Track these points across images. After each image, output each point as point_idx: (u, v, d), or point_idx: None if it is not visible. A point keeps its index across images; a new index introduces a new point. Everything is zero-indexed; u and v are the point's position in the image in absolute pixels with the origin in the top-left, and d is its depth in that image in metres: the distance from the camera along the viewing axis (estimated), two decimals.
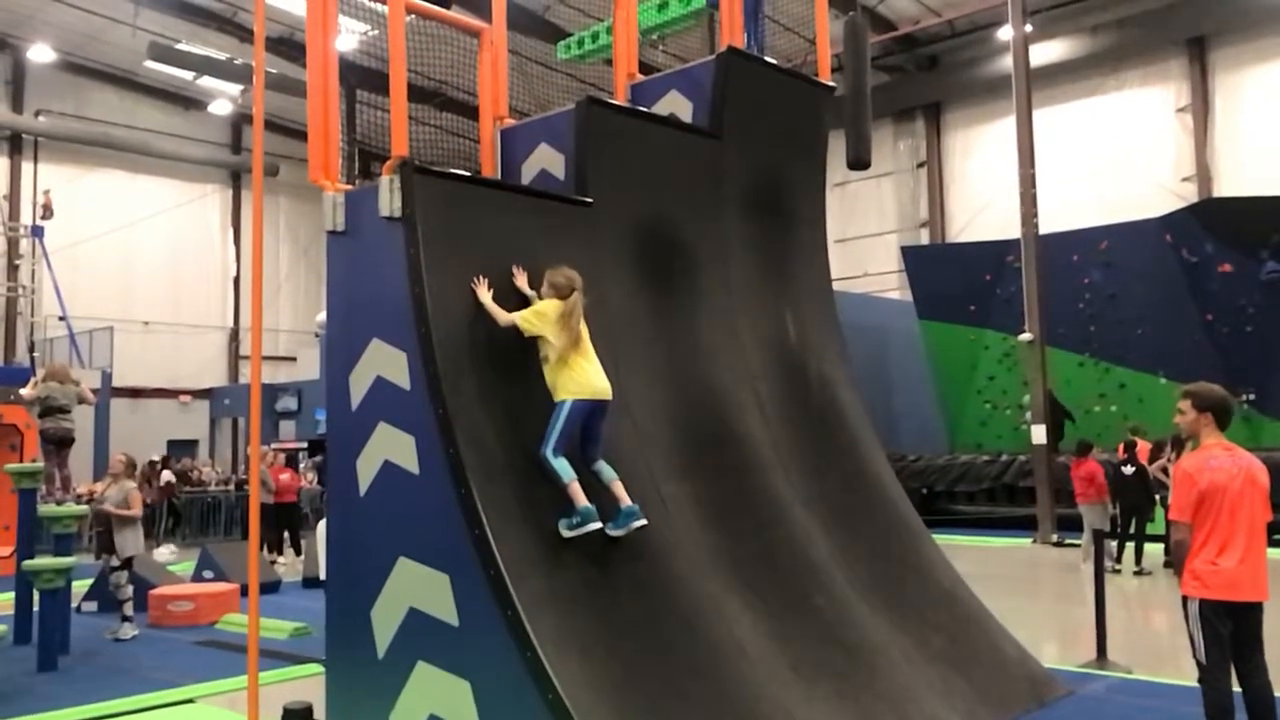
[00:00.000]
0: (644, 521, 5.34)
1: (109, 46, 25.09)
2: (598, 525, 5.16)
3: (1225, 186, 21.49)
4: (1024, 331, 16.59)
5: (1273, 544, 5.26)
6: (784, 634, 5.69)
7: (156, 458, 21.60)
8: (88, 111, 26.74)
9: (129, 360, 25.09)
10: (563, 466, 5.17)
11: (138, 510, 9.83)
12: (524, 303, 5.58)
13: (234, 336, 29.52)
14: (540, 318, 5.35)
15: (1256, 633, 4.94)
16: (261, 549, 13.99)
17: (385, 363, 5.49)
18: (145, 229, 27.36)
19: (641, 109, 7.02)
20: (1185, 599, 4.96)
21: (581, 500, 5.14)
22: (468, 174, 6.27)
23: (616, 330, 6.18)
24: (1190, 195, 21.43)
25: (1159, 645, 8.59)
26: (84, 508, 10.02)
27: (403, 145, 5.87)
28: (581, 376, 5.29)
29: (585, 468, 5.31)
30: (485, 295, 5.42)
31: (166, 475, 20.35)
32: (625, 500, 5.33)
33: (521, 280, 5.65)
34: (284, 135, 26.36)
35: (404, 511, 5.35)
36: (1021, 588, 11.70)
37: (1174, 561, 5.09)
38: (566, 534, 5.14)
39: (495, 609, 4.82)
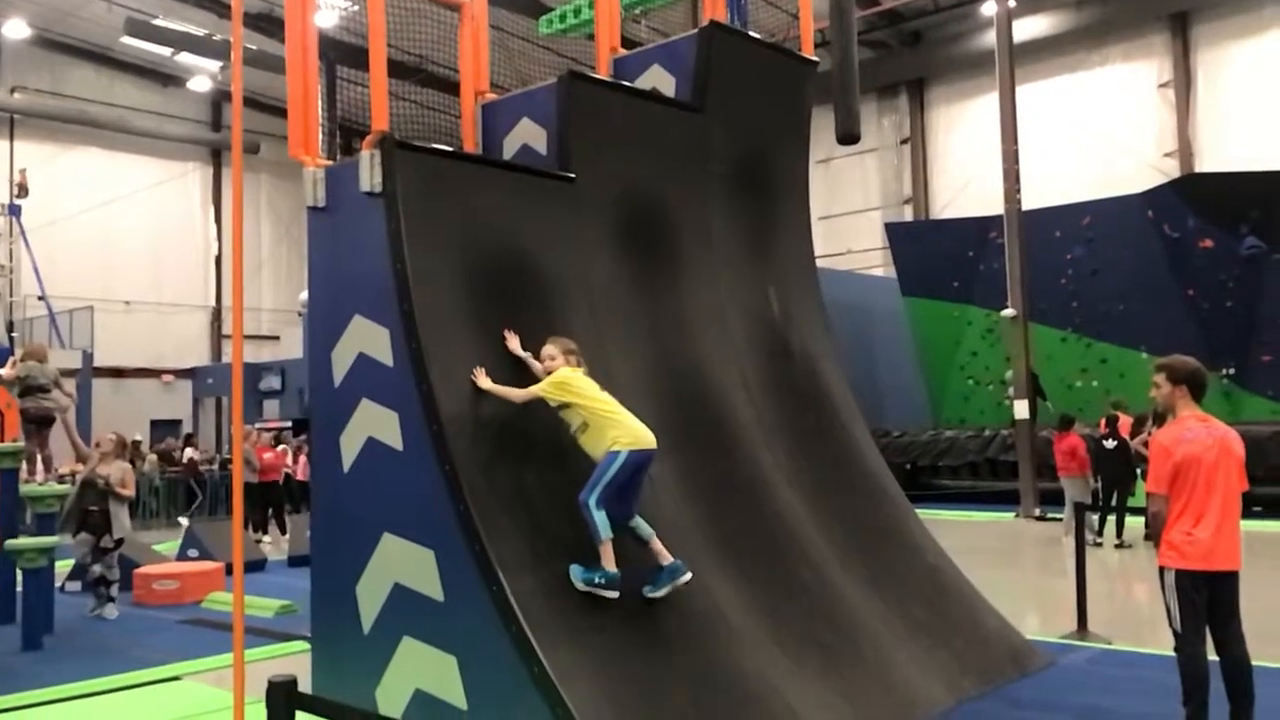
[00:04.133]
0: (689, 576, 5.11)
1: (85, 22, 24.79)
2: (616, 594, 4.94)
3: (1207, 162, 21.57)
4: (1007, 307, 16.66)
5: (1248, 515, 5.33)
6: (769, 608, 5.74)
7: (139, 437, 21.54)
8: (64, 88, 26.44)
9: (110, 340, 24.93)
10: (603, 521, 4.92)
11: (131, 490, 9.83)
12: (519, 365, 5.44)
13: (216, 315, 29.36)
14: (564, 386, 5.13)
15: (1232, 601, 5.00)
16: (246, 528, 13.97)
17: (367, 339, 5.48)
18: (125, 207, 27.13)
19: (624, 83, 6.99)
20: (1162, 569, 5.01)
21: (611, 564, 4.92)
22: (449, 149, 6.24)
23: (600, 306, 6.18)
24: (1172, 171, 21.53)
25: (1139, 616, 8.69)
26: (66, 487, 9.98)
27: (383, 120, 5.84)
28: (633, 426, 5.07)
29: (615, 522, 5.04)
30: (488, 383, 5.23)
31: (190, 453, 20.61)
32: (666, 557, 5.10)
33: (514, 344, 5.49)
34: (265, 112, 26.12)
35: (388, 488, 5.36)
36: (1004, 561, 11.81)
37: (1151, 532, 5.15)
38: (580, 586, 4.93)
39: (480, 584, 4.84)
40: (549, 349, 5.32)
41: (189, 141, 28.89)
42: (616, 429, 5.05)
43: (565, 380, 5.15)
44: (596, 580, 4.93)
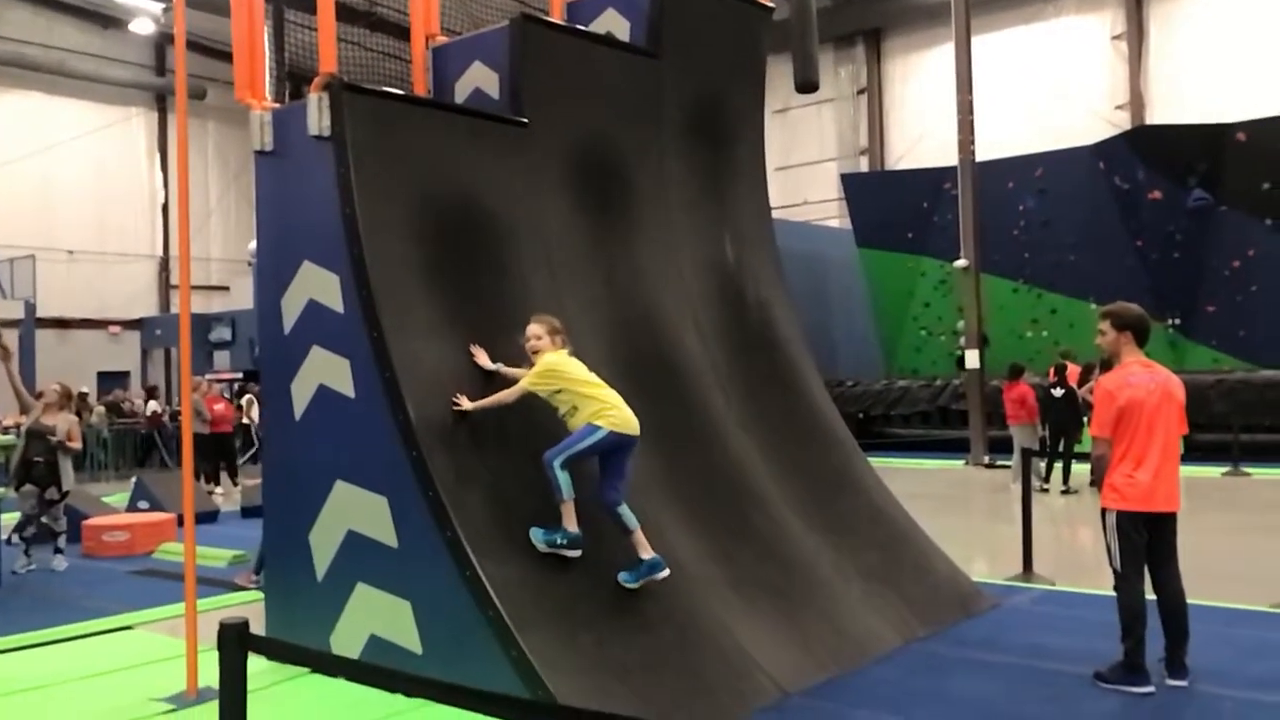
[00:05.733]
0: (667, 573, 5.09)
1: None
2: (578, 554, 4.96)
3: (1158, 114, 21.79)
4: (959, 258, 16.81)
5: (1188, 460, 5.46)
6: (722, 552, 5.81)
7: (85, 389, 21.17)
8: (1, 30, 25.54)
9: (53, 290, 24.38)
10: (565, 481, 4.90)
11: (79, 443, 9.66)
12: (489, 377, 5.33)
13: (164, 265, 28.77)
14: (552, 373, 5.04)
15: (1170, 542, 5.15)
16: (198, 479, 13.84)
17: (317, 286, 5.42)
18: (66, 153, 26.37)
19: (578, 27, 6.89)
20: (1104, 511, 5.15)
21: (573, 524, 4.92)
22: (399, 92, 6.13)
23: (554, 252, 6.15)
24: (1124, 123, 21.73)
25: (1082, 559, 8.90)
26: (10, 438, 9.79)
27: (331, 62, 5.73)
28: (619, 408, 5.02)
29: (603, 509, 5.06)
30: (472, 404, 5.13)
31: (153, 406, 20.28)
32: (648, 551, 5.06)
33: (483, 358, 5.37)
34: (211, 57, 25.36)
35: (340, 435, 5.33)
36: (953, 507, 12.03)
37: (1095, 476, 5.27)
38: (541, 547, 4.93)
39: (434, 530, 4.85)
40: (534, 328, 5.18)
41: (132, 86, 28.09)
42: (601, 410, 4.98)
43: (552, 368, 5.05)
44: (559, 541, 4.93)
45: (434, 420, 5.07)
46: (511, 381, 5.21)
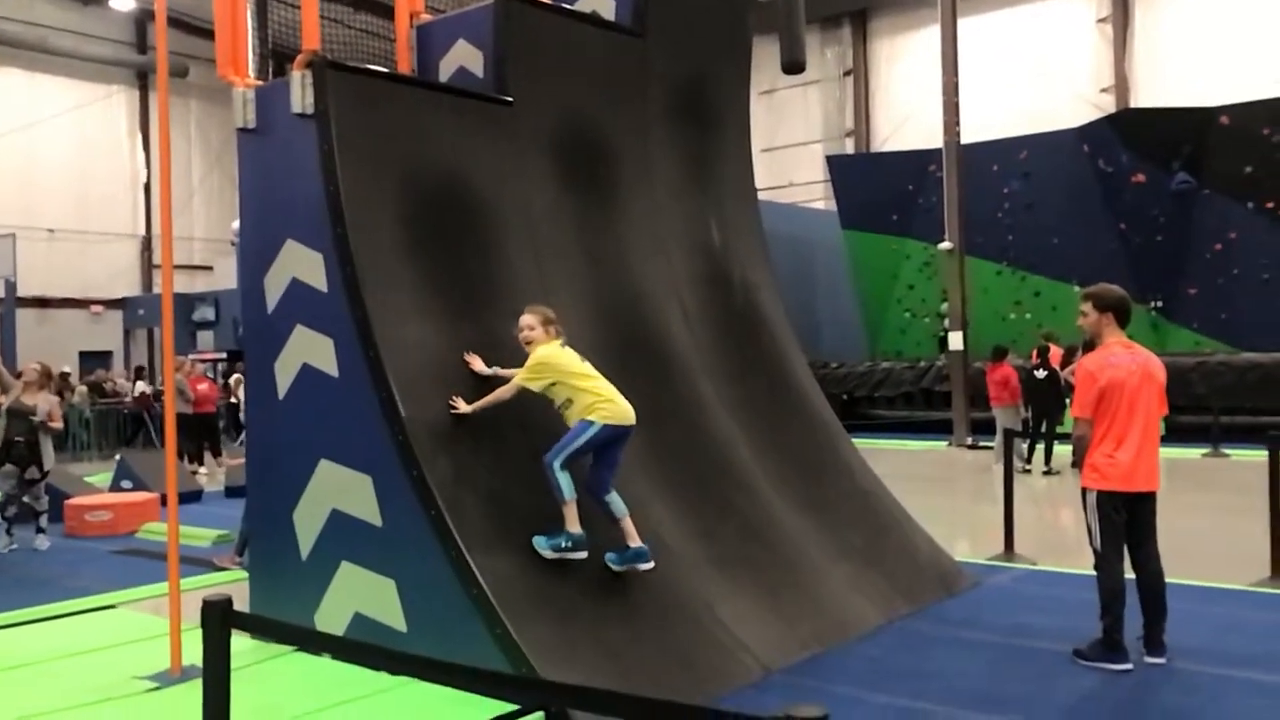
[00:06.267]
0: (651, 565, 5.08)
1: None
2: (584, 554, 4.93)
3: (1142, 98, 21.86)
4: (944, 241, 16.85)
5: (1168, 440, 5.51)
6: (706, 530, 5.83)
7: (67, 369, 21.06)
8: None
9: (34, 269, 24.17)
10: (566, 482, 4.89)
11: (60, 423, 9.61)
12: (484, 381, 5.27)
13: (146, 245, 28.55)
14: (544, 367, 5.00)
15: (1150, 521, 5.20)
16: (181, 459, 13.80)
17: (301, 264, 5.40)
18: (46, 131, 26.08)
19: (563, 5, 6.85)
20: (1084, 490, 5.19)
21: (575, 525, 4.91)
22: (383, 70, 6.09)
23: (539, 232, 6.14)
24: (1108, 106, 21.79)
25: (1063, 539, 8.98)
26: None
27: (314, 40, 5.69)
28: (611, 400, 4.99)
29: (591, 496, 5.05)
30: (469, 406, 5.09)
31: (141, 386, 20.15)
32: (635, 539, 5.06)
33: (478, 364, 5.31)
34: (193, 35, 25.14)
35: (324, 414, 5.32)
36: (936, 488, 12.09)
37: (1075, 456, 5.31)
38: (548, 555, 4.89)
39: (419, 509, 4.85)
40: (527, 319, 5.14)
41: (113, 64, 27.78)
42: (595, 403, 4.96)
43: (544, 361, 5.01)
44: (564, 545, 4.91)
45: (419, 399, 5.06)
46: (507, 380, 5.18)
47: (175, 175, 24.77)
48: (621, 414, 5.02)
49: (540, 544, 4.91)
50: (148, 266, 28.57)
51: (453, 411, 5.10)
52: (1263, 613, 6.12)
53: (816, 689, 4.89)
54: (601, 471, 5.07)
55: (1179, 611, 5.33)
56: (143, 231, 28.58)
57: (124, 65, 28.10)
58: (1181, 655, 5.17)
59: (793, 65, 11.26)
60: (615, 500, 5.09)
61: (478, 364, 5.32)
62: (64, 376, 19.97)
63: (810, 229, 21.35)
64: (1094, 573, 5.22)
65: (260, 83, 5.89)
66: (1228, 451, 13.91)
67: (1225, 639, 5.54)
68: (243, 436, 17.55)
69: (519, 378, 5.06)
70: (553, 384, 5.03)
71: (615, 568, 5.07)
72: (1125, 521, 5.13)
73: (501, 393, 5.10)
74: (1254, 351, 15.80)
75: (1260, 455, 7.16)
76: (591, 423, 4.93)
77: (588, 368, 5.12)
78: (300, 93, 5.30)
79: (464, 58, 6.32)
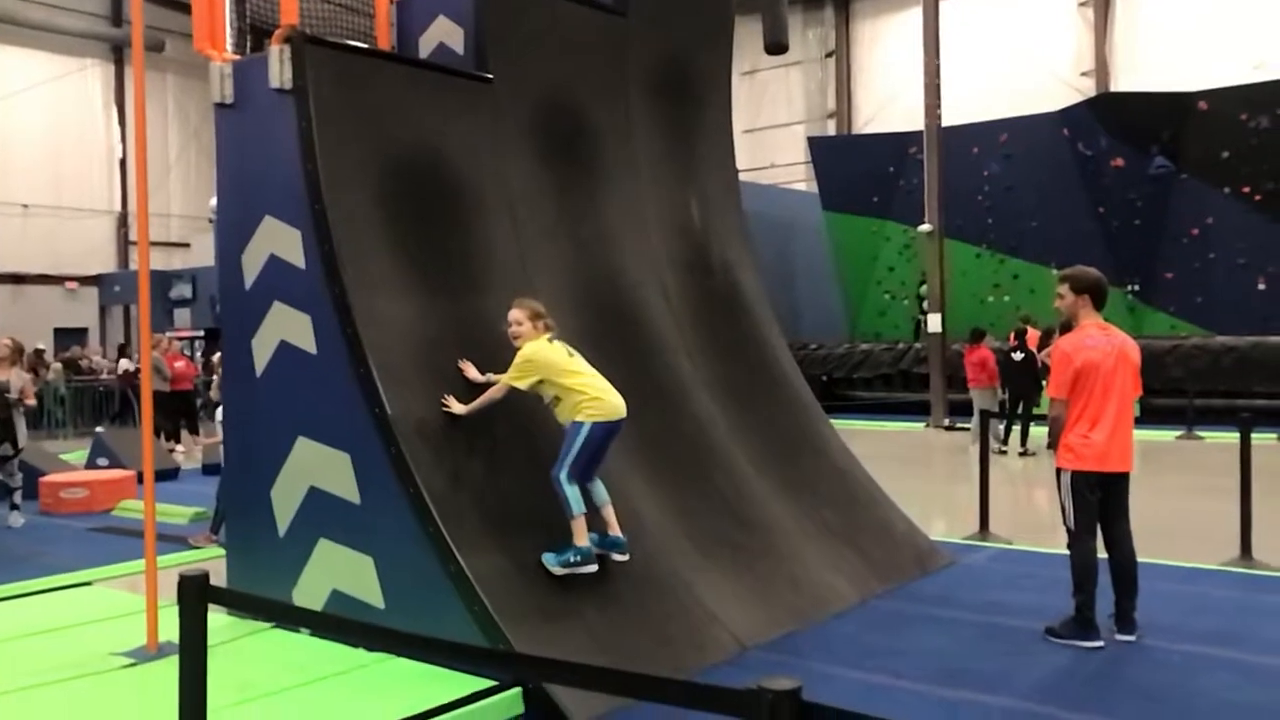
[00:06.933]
0: (626, 558, 5.07)
1: None
2: (593, 569, 4.90)
3: (1122, 82, 21.95)
4: (924, 223, 16.90)
5: (1143, 423, 5.56)
6: (683, 508, 5.86)
7: (42, 346, 20.87)
8: None
9: (7, 245, 23.97)
10: (575, 497, 4.85)
11: (32, 400, 9.53)
12: (474, 385, 5.24)
13: (123, 221, 28.28)
14: (531, 364, 4.95)
15: (1123, 501, 5.27)
16: (158, 437, 13.72)
17: (279, 241, 5.36)
18: (19, 105, 25.73)
19: None
20: (1059, 471, 5.24)
21: (584, 539, 4.86)
22: (362, 45, 6.05)
23: (519, 211, 6.12)
24: (1089, 89, 21.87)
25: (1038, 519, 9.07)
26: None
27: (293, 14, 5.62)
28: (601, 396, 4.96)
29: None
30: (463, 407, 5.05)
31: (125, 364, 19.97)
32: (615, 529, 5.04)
33: (472, 371, 5.25)
34: (169, 8, 24.89)
35: (302, 392, 5.30)
36: (914, 468, 12.19)
37: (1051, 437, 5.36)
38: (557, 570, 4.84)
39: (397, 486, 4.85)
40: (515, 314, 5.08)
41: (87, 36, 27.40)
42: (584, 400, 4.93)
43: (529, 359, 4.96)
44: (573, 559, 4.86)
45: (397, 376, 5.05)
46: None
47: (152, 151, 24.46)
48: (611, 410, 4.99)
49: (549, 560, 4.88)
50: (124, 243, 28.31)
51: (446, 410, 5.06)
52: (1231, 591, 6.22)
53: (792, 665, 4.94)
54: (588, 465, 5.04)
55: (1150, 590, 5.41)
56: (119, 207, 28.29)
57: (98, 38, 27.74)
58: (1152, 633, 5.25)
59: (775, 46, 11.26)
60: (599, 488, 5.09)
61: (471, 371, 5.27)
62: (39, 353, 19.81)
63: (791, 210, 21.37)
64: (1067, 552, 5.29)
65: (238, 58, 5.83)
66: (1202, 434, 14.07)
67: (1195, 618, 5.62)
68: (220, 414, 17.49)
69: (506, 377, 5.01)
70: (540, 381, 4.99)
71: (594, 551, 5.03)
72: (1099, 501, 5.18)
73: (493, 393, 5.06)
74: (1229, 335, 15.97)
75: (1233, 437, 7.25)
76: (581, 424, 4.91)
77: (577, 363, 5.07)
78: (279, 68, 5.25)
79: (444, 34, 6.28)
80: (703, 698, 2.21)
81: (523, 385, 4.99)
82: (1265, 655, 4.97)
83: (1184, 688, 4.60)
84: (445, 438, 5.08)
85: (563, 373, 4.98)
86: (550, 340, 5.07)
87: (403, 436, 4.88)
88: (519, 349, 5.05)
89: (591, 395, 4.96)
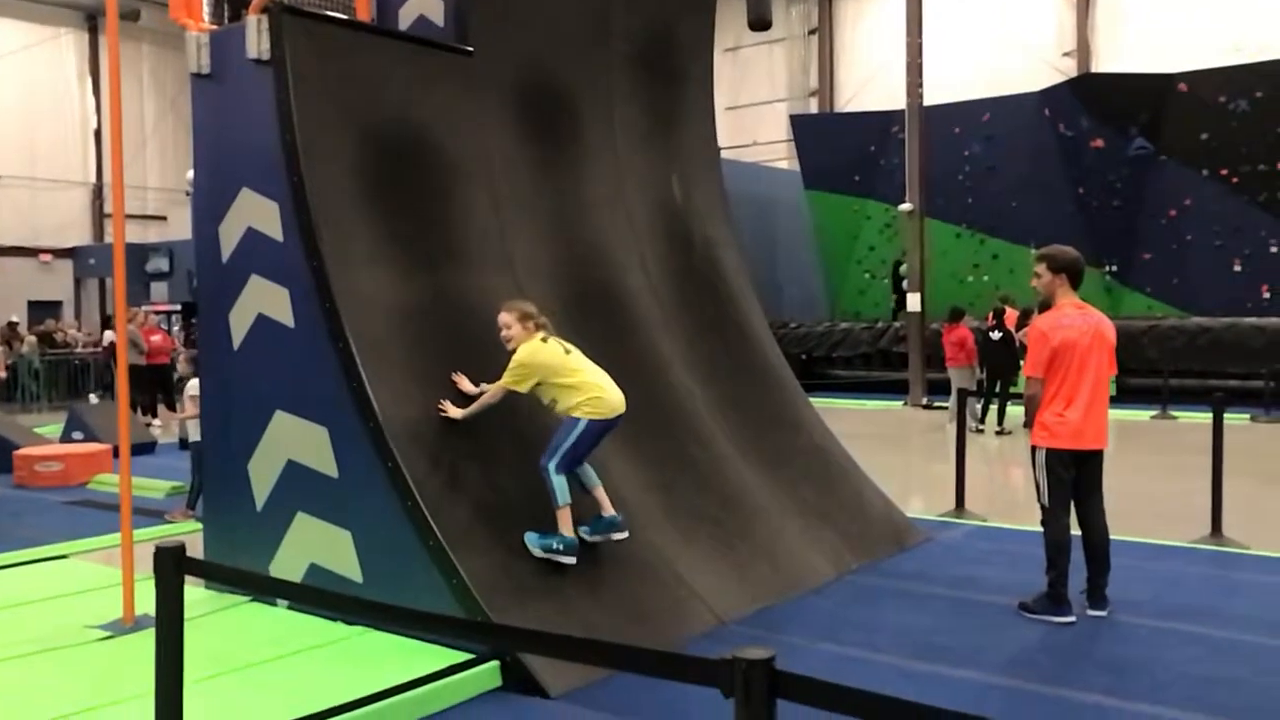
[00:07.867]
0: (625, 535, 5.08)
1: None
2: (573, 560, 4.86)
3: (1104, 63, 21.99)
4: (904, 202, 16.93)
5: (1119, 402, 5.61)
6: (662, 484, 5.88)
7: (15, 319, 20.66)
8: None
9: None
10: (562, 487, 4.84)
11: (2, 372, 9.46)
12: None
13: (98, 193, 27.96)
14: (526, 368, 4.90)
15: (1096, 478, 5.32)
16: (135, 411, 13.63)
17: (256, 213, 5.32)
18: None
19: None
20: (1034, 448, 5.29)
21: (569, 530, 4.86)
22: (341, 16, 5.98)
23: (499, 184, 6.09)
24: (1071, 70, 21.90)
25: (1014, 497, 9.16)
26: None
27: None
28: (599, 394, 4.92)
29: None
30: (459, 411, 5.01)
31: (109, 336, 19.74)
32: (608, 509, 5.05)
33: (465, 384, 5.16)
34: None
35: (280, 365, 5.28)
36: (891, 446, 12.26)
37: (1027, 415, 5.40)
38: (537, 552, 4.83)
39: (375, 460, 4.84)
40: (504, 317, 5.02)
41: (61, 4, 27.00)
42: (581, 398, 4.90)
43: (524, 363, 4.90)
44: (555, 546, 4.85)
45: (375, 350, 5.03)
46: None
47: (127, 122, 24.18)
48: (609, 406, 4.96)
49: (531, 541, 4.87)
50: (99, 215, 28.01)
51: (441, 415, 5.03)
52: (1202, 568, 6.31)
53: (768, 638, 4.98)
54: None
55: (1122, 567, 5.49)
56: (94, 179, 27.98)
57: (72, 6, 27.33)
58: (1123, 608, 5.32)
59: (759, 22, 11.14)
60: (587, 471, 5.09)
61: (465, 384, 5.19)
62: (12, 326, 19.62)
63: (773, 188, 21.34)
64: (1041, 529, 5.34)
65: (215, 27, 5.76)
66: (1176, 413, 14.21)
67: (1166, 594, 5.70)
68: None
69: (503, 381, 4.96)
70: (537, 384, 4.97)
71: (589, 538, 5.04)
72: (1073, 479, 5.24)
73: (488, 397, 5.02)
74: (1204, 316, 16.11)
75: (1206, 417, 7.32)
76: (578, 420, 4.88)
77: (574, 359, 5.03)
78: (256, 38, 5.20)
79: (424, 6, 6.21)
80: (678, 667, 2.23)
81: (521, 389, 4.96)
82: (1233, 631, 5.05)
83: (1154, 662, 4.66)
84: (425, 413, 5.07)
85: (560, 374, 4.95)
86: (544, 339, 5.01)
87: (381, 410, 4.87)
88: (512, 352, 4.99)
89: (591, 395, 4.93)
